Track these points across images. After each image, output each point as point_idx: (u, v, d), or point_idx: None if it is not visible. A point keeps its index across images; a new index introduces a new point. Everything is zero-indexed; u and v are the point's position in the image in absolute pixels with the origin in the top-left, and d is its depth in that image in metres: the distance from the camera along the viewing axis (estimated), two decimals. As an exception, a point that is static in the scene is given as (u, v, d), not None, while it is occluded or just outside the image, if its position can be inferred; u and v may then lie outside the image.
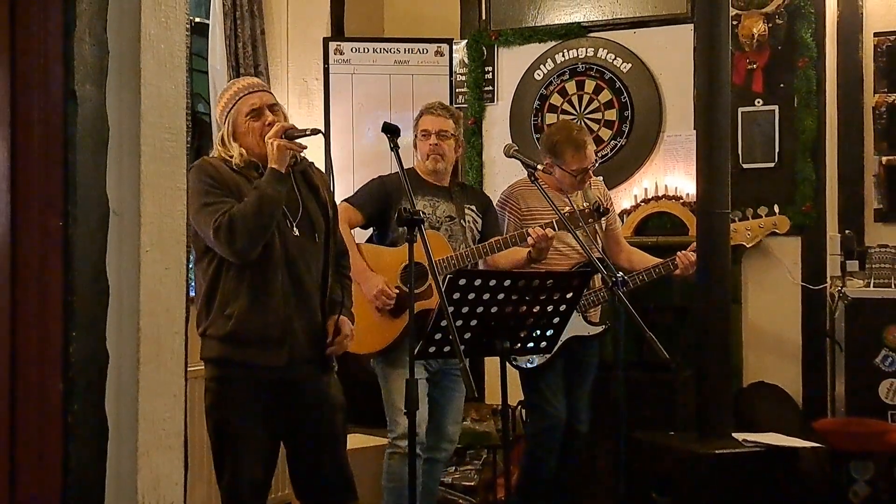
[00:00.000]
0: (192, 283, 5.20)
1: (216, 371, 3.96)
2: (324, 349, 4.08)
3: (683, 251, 5.38)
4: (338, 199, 4.96)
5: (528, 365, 5.31)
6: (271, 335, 3.89)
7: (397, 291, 4.92)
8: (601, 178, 6.79)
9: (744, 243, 5.62)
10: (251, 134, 4.00)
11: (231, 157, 3.99)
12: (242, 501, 3.93)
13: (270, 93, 4.16)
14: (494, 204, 5.46)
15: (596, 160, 5.53)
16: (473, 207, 5.23)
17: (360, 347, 4.77)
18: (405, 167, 5.07)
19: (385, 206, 5.05)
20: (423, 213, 4.88)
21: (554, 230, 4.94)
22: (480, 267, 5.18)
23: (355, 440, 5.54)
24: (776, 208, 5.68)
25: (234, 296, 3.88)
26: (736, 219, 5.51)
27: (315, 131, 3.98)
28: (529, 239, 4.93)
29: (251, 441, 3.93)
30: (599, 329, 5.49)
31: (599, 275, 4.66)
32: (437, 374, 5.05)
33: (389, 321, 4.92)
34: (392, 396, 4.99)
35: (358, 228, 5.12)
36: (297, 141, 3.96)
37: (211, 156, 4.13)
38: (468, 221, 5.16)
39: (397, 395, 4.92)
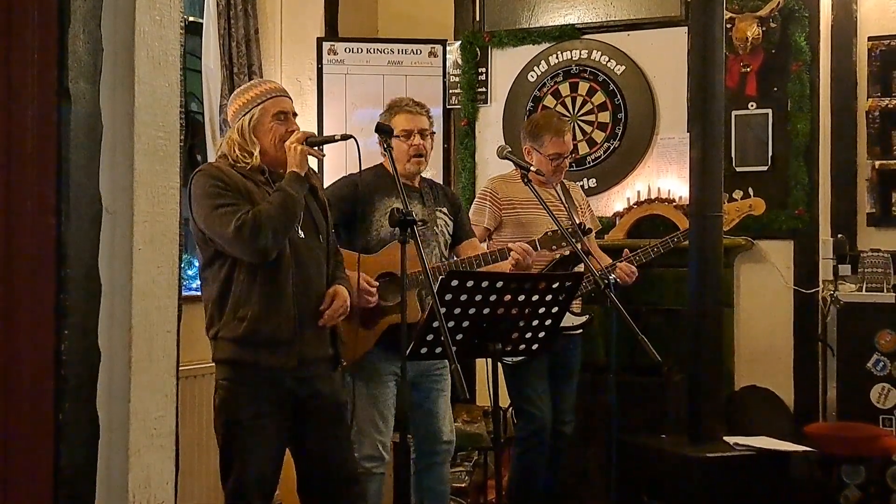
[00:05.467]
0: (185, 283, 5.21)
1: (228, 372, 3.98)
2: (329, 347, 4.14)
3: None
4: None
5: (512, 359, 5.26)
6: (283, 337, 3.93)
7: (377, 284, 4.66)
8: (580, 184, 6.83)
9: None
10: (272, 135, 4.05)
11: (247, 152, 4.02)
12: (249, 501, 3.93)
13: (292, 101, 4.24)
14: (475, 199, 5.48)
15: (572, 153, 5.59)
16: (445, 210, 5.06)
17: None
18: (375, 165, 4.99)
19: (355, 208, 4.73)
20: None
21: (536, 249, 4.89)
22: None
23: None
24: (751, 191, 5.68)
25: (247, 299, 3.91)
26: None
27: (346, 137, 4.04)
28: (511, 256, 4.85)
29: (262, 439, 3.94)
30: (583, 319, 5.53)
31: (583, 266, 4.65)
32: (413, 378, 4.83)
33: (362, 332, 4.72)
34: (357, 416, 4.69)
35: None
36: (317, 148, 4.04)
37: (216, 158, 4.16)
38: (440, 226, 5.00)
39: (362, 416, 4.71)
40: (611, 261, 5.58)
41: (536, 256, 5.00)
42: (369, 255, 4.72)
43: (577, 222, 4.90)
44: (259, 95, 4.09)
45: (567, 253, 5.03)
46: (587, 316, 5.55)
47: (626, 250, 5.55)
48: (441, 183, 5.46)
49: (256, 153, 4.02)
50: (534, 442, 5.44)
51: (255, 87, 4.15)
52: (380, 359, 4.77)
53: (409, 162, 4.91)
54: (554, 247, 4.83)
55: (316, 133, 4.08)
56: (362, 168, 4.16)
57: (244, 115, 4.06)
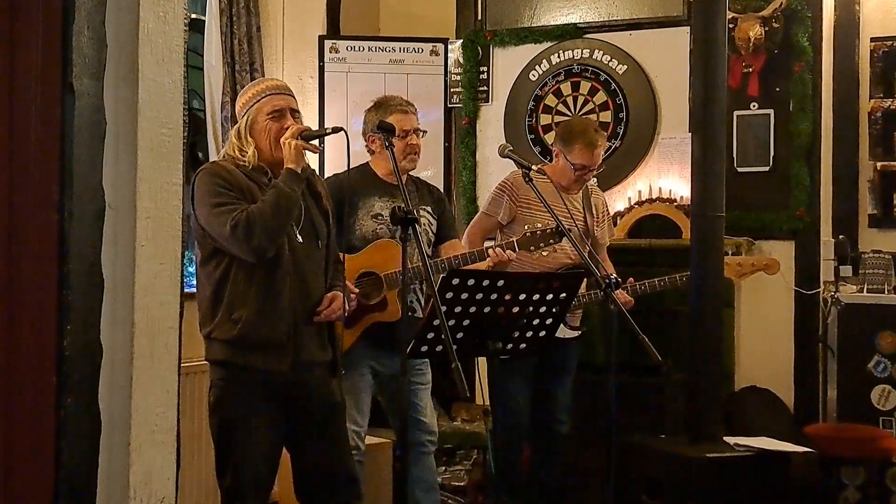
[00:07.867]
0: (187, 279, 5.21)
1: (222, 373, 3.98)
2: (329, 351, 4.13)
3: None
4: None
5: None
6: (277, 340, 3.92)
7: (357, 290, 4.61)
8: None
9: (731, 277, 5.61)
10: (267, 134, 4.02)
11: (244, 153, 4.01)
12: (245, 500, 3.93)
13: (294, 98, 4.18)
14: (494, 189, 5.47)
15: (602, 166, 5.53)
16: (429, 209, 5.10)
17: None
18: (362, 164, 5.02)
19: (339, 208, 4.61)
20: (381, 214, 4.85)
21: (515, 251, 4.85)
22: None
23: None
24: (771, 251, 5.67)
25: (243, 300, 3.90)
26: (729, 251, 5.50)
27: (336, 129, 3.99)
28: (489, 260, 4.84)
29: (256, 439, 3.93)
30: (576, 333, 5.50)
31: (585, 280, 4.62)
32: (395, 373, 4.84)
33: (344, 331, 4.68)
34: None
35: None
36: (313, 143, 4.02)
37: (222, 157, 4.15)
38: (424, 224, 5.01)
39: None
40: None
41: (549, 257, 5.02)
42: (351, 255, 4.72)
43: (559, 229, 4.79)
44: (254, 96, 4.08)
45: (545, 253, 4.98)
46: (580, 331, 5.52)
47: (630, 279, 5.50)
48: (426, 181, 5.42)
49: (250, 153, 4.00)
50: (507, 437, 5.39)
51: (252, 88, 4.14)
52: (359, 352, 4.84)
53: (405, 160, 4.95)
54: (532, 248, 4.79)
55: (311, 128, 4.04)
56: (350, 165, 4.10)
57: (242, 117, 4.07)
